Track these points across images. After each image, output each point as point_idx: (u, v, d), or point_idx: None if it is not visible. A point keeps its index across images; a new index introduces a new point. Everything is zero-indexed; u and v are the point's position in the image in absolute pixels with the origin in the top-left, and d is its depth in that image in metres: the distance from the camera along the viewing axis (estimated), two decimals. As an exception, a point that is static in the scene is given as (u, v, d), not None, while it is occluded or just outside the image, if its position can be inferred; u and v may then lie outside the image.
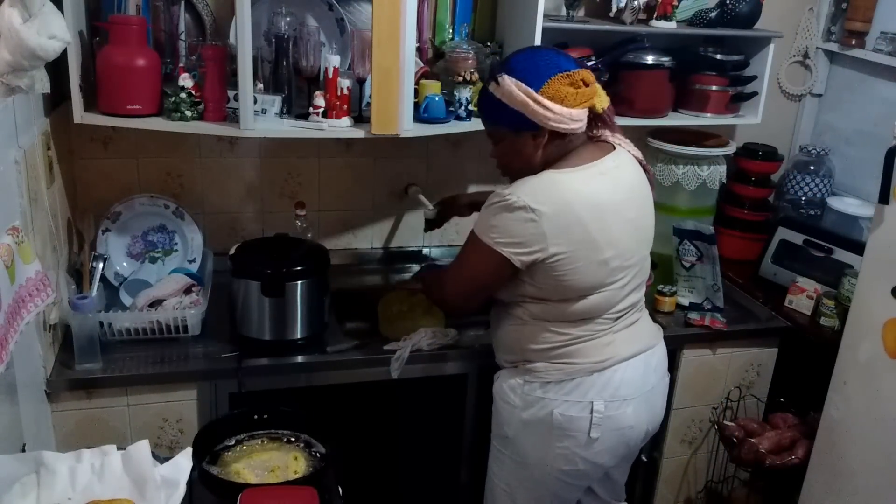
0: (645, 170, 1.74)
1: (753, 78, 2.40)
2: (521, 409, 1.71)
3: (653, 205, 1.75)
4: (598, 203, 1.58)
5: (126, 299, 2.00)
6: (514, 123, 1.59)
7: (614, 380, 1.68)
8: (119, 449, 1.38)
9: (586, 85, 1.57)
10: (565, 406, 1.67)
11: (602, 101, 1.63)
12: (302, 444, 1.55)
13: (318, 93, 1.96)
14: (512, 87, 1.54)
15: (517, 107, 1.55)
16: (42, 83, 1.42)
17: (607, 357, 1.68)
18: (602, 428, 1.68)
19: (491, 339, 1.84)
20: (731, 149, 2.51)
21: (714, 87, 2.37)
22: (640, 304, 1.78)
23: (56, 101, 1.87)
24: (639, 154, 1.75)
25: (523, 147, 1.62)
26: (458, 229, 2.55)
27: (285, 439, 1.56)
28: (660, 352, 1.81)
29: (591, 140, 1.68)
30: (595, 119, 1.66)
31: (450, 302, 1.83)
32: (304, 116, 1.99)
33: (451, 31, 2.28)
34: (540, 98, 1.54)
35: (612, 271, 1.62)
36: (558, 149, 1.62)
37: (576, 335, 1.67)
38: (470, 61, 2.14)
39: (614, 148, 1.68)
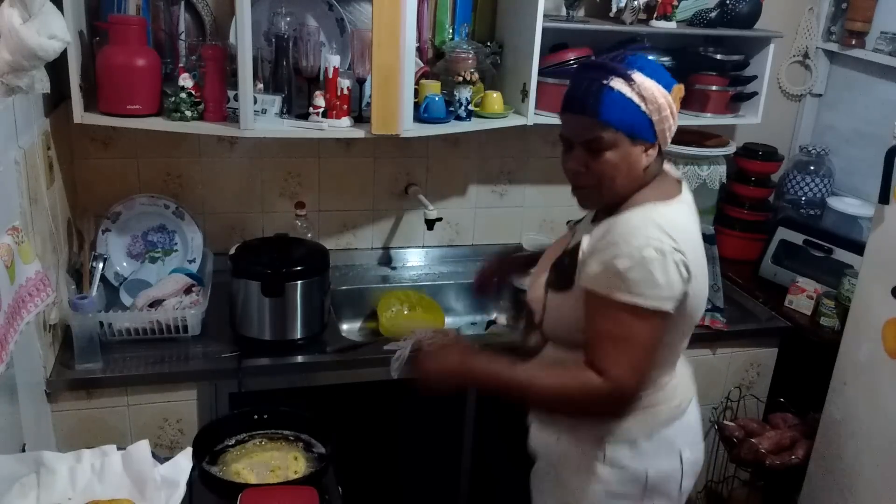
0: None
1: (753, 78, 2.40)
2: (608, 481, 1.45)
3: None
4: (698, 241, 1.42)
5: (126, 299, 2.00)
6: (637, 129, 1.33)
7: (692, 421, 1.53)
8: (119, 449, 1.38)
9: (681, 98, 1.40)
10: (657, 462, 1.46)
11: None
12: (302, 444, 1.55)
13: (318, 93, 1.96)
14: (652, 87, 1.31)
15: (649, 111, 1.32)
16: (42, 83, 1.42)
17: (681, 399, 1.50)
18: (691, 476, 1.52)
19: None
20: (731, 149, 2.51)
21: (714, 87, 2.37)
22: None
23: (56, 101, 1.87)
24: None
25: (633, 160, 1.35)
26: (457, 229, 2.55)
27: (285, 439, 1.56)
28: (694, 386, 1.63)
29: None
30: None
31: (634, 393, 1.37)
32: (304, 116, 1.99)
33: (451, 31, 2.28)
34: (673, 105, 1.35)
35: (703, 309, 1.46)
36: (653, 170, 1.40)
37: (659, 382, 1.46)
38: (470, 61, 2.14)
39: (675, 176, 1.49)
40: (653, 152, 1.36)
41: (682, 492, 1.52)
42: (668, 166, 1.48)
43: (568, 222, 1.74)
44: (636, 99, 1.31)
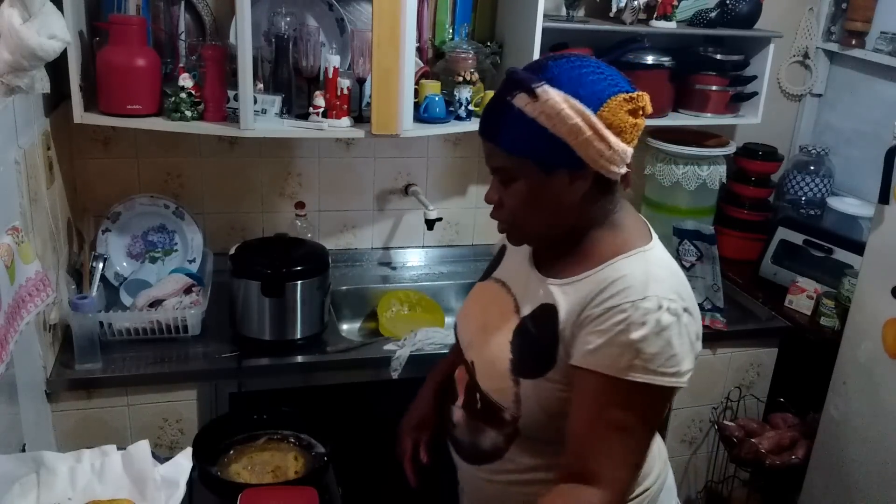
0: None
1: (753, 78, 2.40)
2: None
3: None
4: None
5: (126, 299, 2.00)
6: (549, 157, 1.08)
7: (669, 486, 1.34)
8: (119, 449, 1.38)
9: (644, 113, 1.10)
10: None
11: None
12: (302, 444, 1.55)
13: (318, 93, 1.96)
14: (561, 104, 1.04)
15: (562, 133, 1.05)
16: (42, 83, 1.42)
17: (661, 468, 1.31)
18: None
19: None
20: (731, 149, 2.51)
21: (714, 87, 2.37)
22: None
23: (56, 101, 1.87)
24: None
25: (555, 192, 1.11)
26: (457, 229, 2.55)
27: (285, 439, 1.56)
28: None
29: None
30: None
31: (628, 496, 1.17)
32: (304, 116, 1.99)
33: (451, 31, 2.28)
34: (598, 124, 1.05)
35: None
36: (603, 204, 1.15)
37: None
38: (470, 61, 2.14)
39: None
40: (583, 183, 1.10)
41: None
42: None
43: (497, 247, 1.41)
44: (541, 119, 1.06)
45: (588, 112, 1.05)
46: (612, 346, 1.06)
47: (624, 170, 1.10)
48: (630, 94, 1.08)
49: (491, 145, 1.12)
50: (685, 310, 1.09)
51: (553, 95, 1.05)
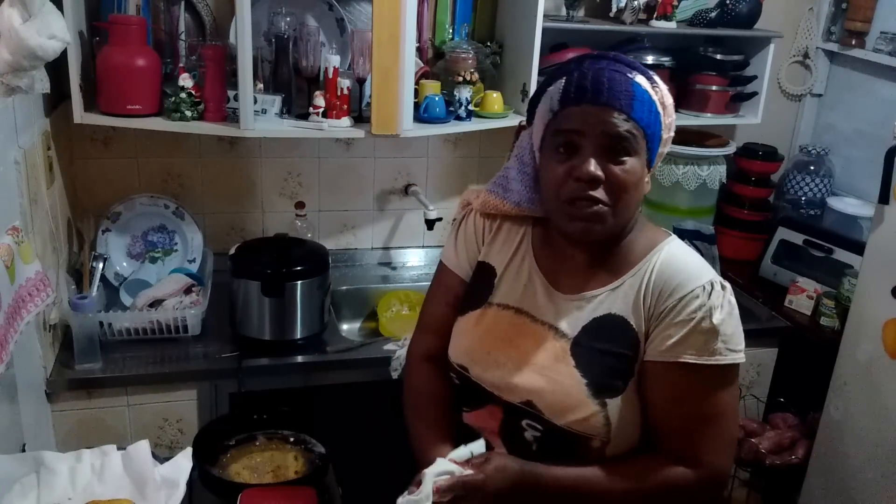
0: None
1: (753, 78, 2.40)
2: None
3: None
4: None
5: (126, 299, 2.00)
6: (655, 140, 1.11)
7: None
8: (119, 449, 1.38)
9: None
10: None
11: None
12: (302, 445, 1.55)
13: (318, 93, 1.96)
14: (668, 96, 1.13)
15: (665, 125, 1.12)
16: (42, 83, 1.42)
17: None
18: None
19: None
20: (731, 149, 2.51)
21: (714, 87, 2.37)
22: None
23: (56, 101, 1.87)
24: None
25: (640, 183, 1.12)
26: (458, 229, 2.55)
27: (285, 439, 1.56)
28: None
29: None
30: None
31: (727, 481, 1.20)
32: (304, 116, 1.99)
33: (451, 31, 2.28)
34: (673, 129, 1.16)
35: None
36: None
37: None
38: (470, 61, 2.14)
39: None
40: (647, 176, 1.12)
41: None
42: None
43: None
44: (657, 105, 1.10)
45: (671, 107, 1.13)
46: (696, 332, 1.08)
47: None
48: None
49: (617, 114, 1.06)
50: (730, 289, 1.13)
51: (664, 88, 1.12)
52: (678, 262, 1.13)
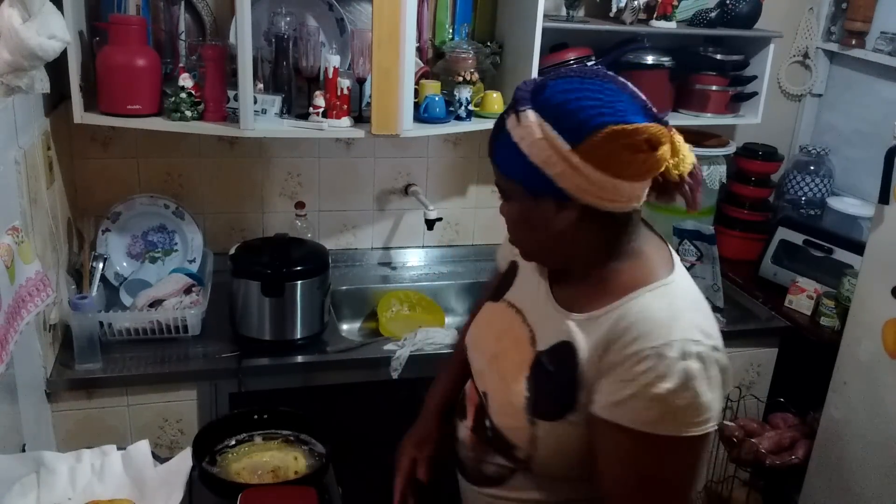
0: None
1: (753, 78, 2.40)
2: None
3: None
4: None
5: (126, 299, 2.00)
6: (534, 183, 1.01)
7: None
8: (119, 449, 1.38)
9: (653, 148, 0.97)
10: None
11: (684, 161, 1.03)
12: (302, 444, 1.55)
13: (318, 93, 1.96)
14: (536, 132, 0.99)
15: (538, 163, 0.99)
16: (42, 83, 1.42)
17: None
18: None
19: None
20: (731, 149, 2.51)
21: (714, 87, 2.37)
22: None
23: (56, 101, 1.87)
24: None
25: (542, 218, 1.05)
26: (457, 229, 2.55)
27: (285, 439, 1.56)
28: None
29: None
30: (674, 187, 1.05)
31: None
32: (304, 116, 1.99)
33: (451, 31, 2.28)
34: (574, 158, 0.97)
35: None
36: (613, 234, 1.06)
37: None
38: (470, 61, 2.14)
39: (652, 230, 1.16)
40: (569, 214, 1.02)
41: None
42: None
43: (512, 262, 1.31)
44: (522, 145, 1.00)
45: (560, 143, 0.97)
46: (639, 398, 0.98)
47: (625, 205, 1.01)
48: (626, 125, 0.95)
49: (492, 163, 1.08)
50: (714, 348, 1.01)
51: (532, 122, 0.99)
52: (653, 312, 1.01)
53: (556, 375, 1.08)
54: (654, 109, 1.02)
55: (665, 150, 0.98)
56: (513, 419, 1.13)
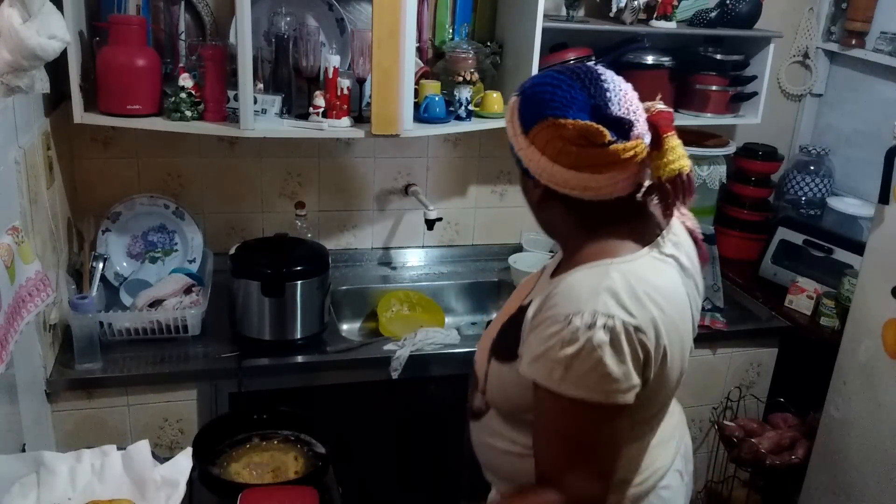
0: (697, 244, 1.32)
1: (753, 78, 2.40)
2: None
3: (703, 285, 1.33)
4: (678, 299, 1.17)
5: (126, 299, 2.00)
6: (516, 160, 1.16)
7: (661, 499, 1.28)
8: (119, 449, 1.38)
9: (590, 143, 1.06)
10: None
11: (667, 166, 1.10)
12: (302, 445, 1.55)
13: (318, 93, 1.96)
14: (508, 116, 1.15)
15: (511, 142, 1.15)
16: (42, 83, 1.42)
17: (649, 475, 1.26)
18: None
19: (480, 458, 1.35)
20: (731, 149, 2.51)
21: (714, 87, 2.37)
22: None
23: (56, 101, 1.87)
24: (692, 223, 1.33)
25: (526, 190, 1.21)
26: (457, 229, 2.55)
27: (285, 439, 1.56)
28: (688, 434, 1.42)
29: (633, 206, 1.19)
30: (655, 188, 1.15)
31: (590, 497, 1.12)
32: (304, 116, 1.99)
33: (451, 31, 2.28)
34: (524, 142, 1.12)
35: (680, 382, 1.23)
36: (582, 216, 1.16)
37: (632, 457, 1.24)
38: (470, 61, 2.14)
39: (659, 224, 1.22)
40: (536, 191, 1.15)
41: None
42: (656, 211, 1.21)
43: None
44: (506, 125, 1.17)
45: (518, 127, 1.12)
46: (546, 359, 1.07)
47: (583, 193, 1.10)
48: (560, 119, 1.07)
49: None
50: (635, 328, 1.05)
51: (510, 106, 1.14)
52: (572, 285, 1.10)
53: (514, 328, 1.18)
54: (619, 112, 1.08)
55: (618, 148, 1.06)
56: (481, 356, 1.29)
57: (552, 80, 1.11)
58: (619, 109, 1.08)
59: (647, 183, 1.17)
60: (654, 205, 1.20)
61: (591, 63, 1.38)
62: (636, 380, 1.07)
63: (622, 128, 1.07)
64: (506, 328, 1.23)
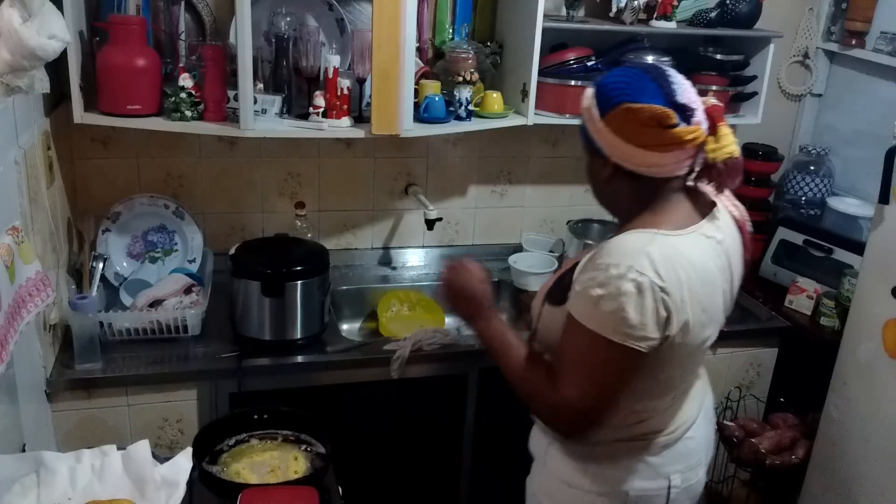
0: (741, 230, 1.46)
1: (753, 78, 2.40)
2: (587, 492, 1.43)
3: (741, 271, 1.50)
4: (709, 277, 1.32)
5: (126, 299, 2.00)
6: (586, 142, 1.35)
7: (687, 448, 1.46)
8: (119, 449, 1.38)
9: (660, 124, 1.23)
10: (640, 484, 1.42)
11: (721, 149, 1.27)
12: (302, 444, 1.55)
13: (318, 93, 1.96)
14: (585, 103, 1.33)
15: (587, 125, 1.33)
16: (42, 83, 1.42)
17: (678, 426, 1.44)
18: (678, 501, 1.47)
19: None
20: (731, 149, 2.51)
21: (714, 87, 2.37)
22: None
23: (56, 101, 1.87)
24: (740, 213, 1.46)
25: (592, 171, 1.38)
26: (457, 229, 2.55)
27: (285, 439, 1.56)
28: (710, 394, 1.59)
29: (685, 188, 1.36)
30: (707, 170, 1.31)
31: (580, 420, 1.34)
32: (304, 116, 1.99)
33: (451, 31, 2.28)
34: (601, 125, 1.29)
35: (706, 349, 1.40)
36: (642, 191, 1.32)
37: (651, 409, 1.41)
38: (470, 61, 2.14)
39: (713, 204, 1.40)
40: (606, 169, 1.32)
41: None
42: (708, 190, 1.38)
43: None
44: (583, 112, 1.35)
45: (595, 112, 1.30)
46: (581, 296, 1.27)
47: (650, 170, 1.28)
48: (633, 104, 1.24)
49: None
50: (662, 289, 1.22)
51: (586, 95, 1.33)
52: (619, 243, 1.28)
53: (567, 278, 1.37)
54: (683, 101, 1.26)
55: (682, 131, 1.24)
56: (537, 302, 1.48)
57: (626, 73, 1.31)
58: (683, 98, 1.26)
59: (698, 168, 1.32)
60: (704, 189, 1.38)
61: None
62: (653, 333, 1.24)
63: (685, 113, 1.25)
64: (560, 278, 1.42)
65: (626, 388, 1.32)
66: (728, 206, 1.44)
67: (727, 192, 1.41)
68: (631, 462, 1.42)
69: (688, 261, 1.26)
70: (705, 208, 1.37)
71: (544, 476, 1.51)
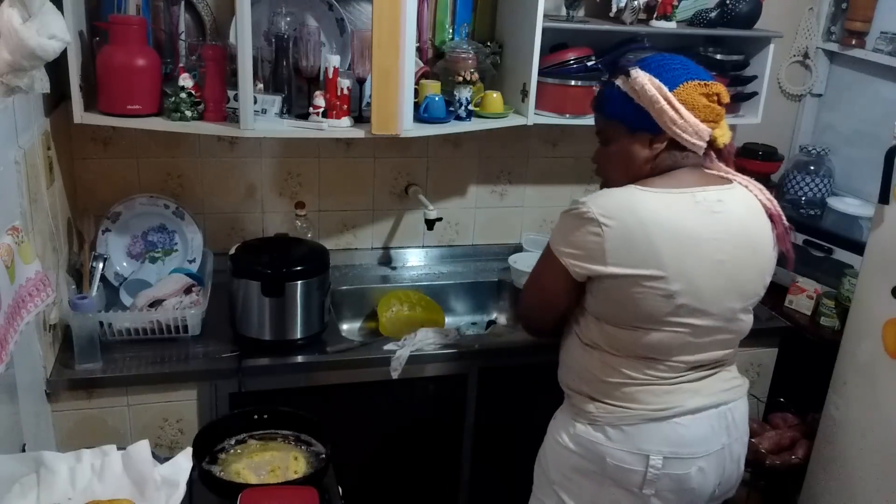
0: (772, 219, 1.52)
1: (753, 78, 2.40)
2: (572, 452, 1.54)
3: (766, 261, 1.52)
4: (676, 230, 1.41)
5: (126, 299, 2.00)
6: (636, 121, 1.46)
7: (675, 433, 1.49)
8: (119, 449, 1.38)
9: (720, 103, 1.46)
10: (618, 454, 1.49)
11: (724, 134, 1.50)
12: (302, 445, 1.55)
13: (318, 93, 1.96)
14: (645, 81, 1.43)
15: (644, 103, 1.43)
16: (42, 83, 1.42)
17: (667, 406, 1.49)
18: (658, 486, 1.49)
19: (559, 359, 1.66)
20: (731, 149, 2.51)
21: (714, 87, 2.37)
22: (724, 363, 1.58)
23: (56, 101, 1.87)
24: (769, 202, 1.54)
25: (636, 151, 1.48)
26: (457, 229, 2.55)
27: (285, 439, 1.56)
28: (740, 409, 1.60)
29: (701, 168, 1.51)
30: (713, 152, 1.52)
31: (523, 316, 1.69)
32: (304, 116, 1.99)
33: (451, 31, 2.28)
34: (672, 98, 1.42)
35: (677, 308, 1.42)
36: (667, 162, 1.48)
37: (633, 377, 1.48)
38: (470, 61, 2.14)
39: (729, 182, 1.51)
40: (660, 145, 1.46)
41: (645, 496, 1.50)
42: (736, 175, 1.53)
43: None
44: (632, 94, 1.45)
45: (665, 88, 1.42)
46: (558, 221, 1.51)
47: (696, 141, 1.44)
48: (704, 81, 1.45)
49: (597, 114, 1.55)
50: (597, 223, 1.40)
51: (641, 75, 1.44)
52: (605, 192, 1.47)
53: None
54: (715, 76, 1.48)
55: (723, 110, 1.47)
56: None
57: (675, 57, 1.51)
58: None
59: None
60: (719, 169, 1.53)
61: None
62: (583, 257, 1.43)
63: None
64: None
65: (560, 305, 1.55)
66: (761, 199, 1.52)
67: (762, 188, 1.53)
68: (609, 428, 1.50)
69: (649, 209, 1.40)
70: (713, 182, 1.49)
71: (548, 438, 1.64)
